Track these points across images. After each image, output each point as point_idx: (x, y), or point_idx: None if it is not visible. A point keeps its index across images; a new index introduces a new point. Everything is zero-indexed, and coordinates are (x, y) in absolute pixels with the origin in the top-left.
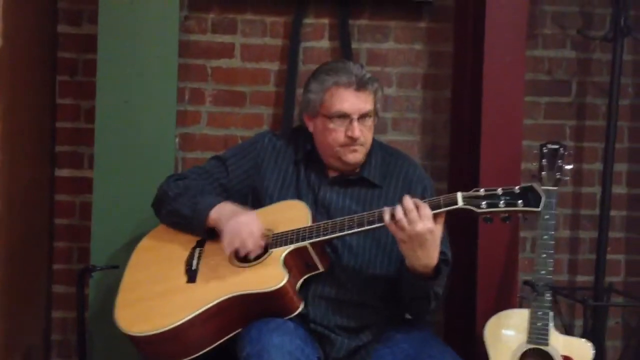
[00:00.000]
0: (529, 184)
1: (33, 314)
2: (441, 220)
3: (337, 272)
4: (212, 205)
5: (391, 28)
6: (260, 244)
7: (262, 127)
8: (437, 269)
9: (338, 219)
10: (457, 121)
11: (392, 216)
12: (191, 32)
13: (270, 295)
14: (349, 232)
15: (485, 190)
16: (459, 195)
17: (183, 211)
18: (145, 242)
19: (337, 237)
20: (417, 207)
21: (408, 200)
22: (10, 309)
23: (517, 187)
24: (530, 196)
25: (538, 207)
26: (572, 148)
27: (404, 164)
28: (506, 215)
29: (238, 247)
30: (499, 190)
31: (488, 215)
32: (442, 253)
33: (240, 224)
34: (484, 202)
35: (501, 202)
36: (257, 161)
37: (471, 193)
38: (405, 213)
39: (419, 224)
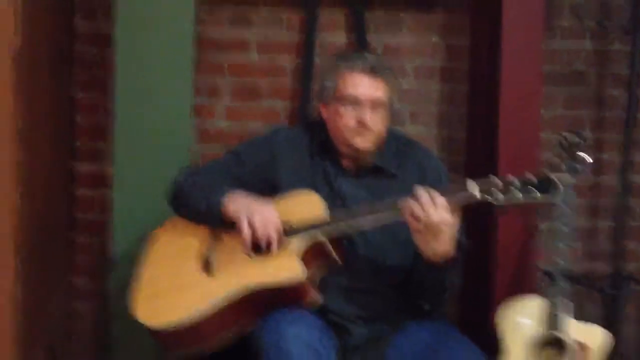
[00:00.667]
0: (547, 175)
1: (54, 306)
2: (457, 211)
3: (353, 261)
4: (224, 196)
5: (407, 20)
6: (279, 228)
7: (279, 121)
8: (453, 259)
9: (357, 214)
10: (474, 114)
11: (407, 206)
12: (207, 27)
13: (287, 287)
14: (367, 228)
15: (502, 181)
16: (476, 187)
17: (198, 206)
18: (160, 235)
19: (355, 231)
20: (432, 198)
21: (423, 191)
22: (33, 301)
23: (534, 178)
24: (548, 187)
25: (556, 198)
26: (591, 139)
27: (418, 153)
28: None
29: (258, 233)
30: (516, 181)
31: (505, 208)
32: (457, 241)
33: (256, 210)
34: (500, 194)
35: (519, 193)
36: (272, 154)
37: (487, 184)
38: (421, 203)
39: (435, 214)
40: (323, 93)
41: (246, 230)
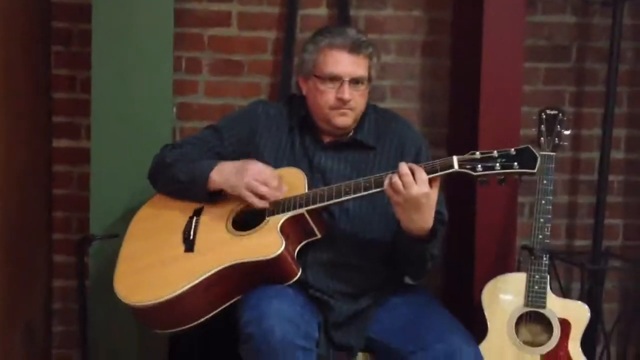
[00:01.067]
0: (525, 146)
1: (34, 283)
2: (436, 184)
3: (335, 236)
4: (211, 168)
5: None
6: (283, 186)
7: (260, 96)
8: (433, 231)
9: (334, 185)
10: (456, 88)
11: (389, 180)
12: (187, 1)
13: (268, 262)
14: (346, 198)
15: (481, 153)
16: (455, 158)
17: (181, 177)
18: (142, 212)
19: (334, 204)
20: (412, 171)
21: (403, 165)
22: (12, 279)
23: (512, 149)
24: (526, 157)
25: (534, 168)
26: (571, 114)
27: (397, 124)
28: (502, 177)
29: (261, 188)
30: (495, 153)
31: (484, 178)
32: (438, 213)
33: (251, 170)
34: (479, 165)
35: (497, 164)
36: (252, 129)
37: (467, 156)
38: (401, 177)
39: (415, 187)
40: (302, 67)
41: (247, 194)
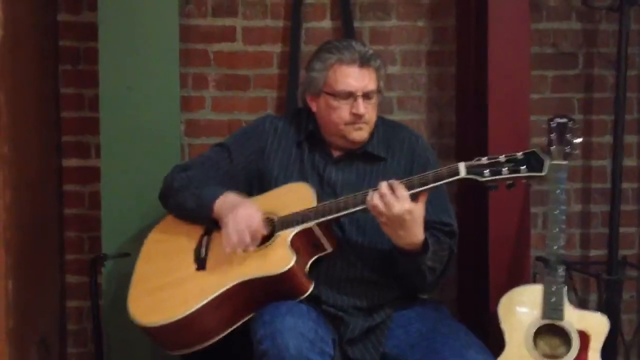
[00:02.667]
0: (532, 150)
1: (47, 304)
2: (423, 198)
3: (346, 251)
4: (215, 198)
5: (393, 5)
6: (258, 236)
7: (267, 111)
8: (425, 244)
9: (342, 198)
10: (463, 98)
11: (370, 201)
12: (191, 17)
13: (279, 278)
14: (354, 209)
15: (488, 159)
16: (462, 165)
17: (188, 204)
18: (154, 234)
19: (342, 217)
20: (392, 189)
21: (382, 184)
22: (24, 300)
23: (520, 153)
24: (534, 161)
25: (542, 171)
26: (581, 121)
27: (405, 135)
28: (511, 182)
29: (235, 243)
30: (502, 158)
31: (492, 183)
32: (447, 224)
33: (238, 218)
34: (486, 171)
35: (504, 169)
36: (260, 145)
37: (473, 162)
38: (381, 197)
39: (396, 206)
40: (311, 84)
41: (226, 244)
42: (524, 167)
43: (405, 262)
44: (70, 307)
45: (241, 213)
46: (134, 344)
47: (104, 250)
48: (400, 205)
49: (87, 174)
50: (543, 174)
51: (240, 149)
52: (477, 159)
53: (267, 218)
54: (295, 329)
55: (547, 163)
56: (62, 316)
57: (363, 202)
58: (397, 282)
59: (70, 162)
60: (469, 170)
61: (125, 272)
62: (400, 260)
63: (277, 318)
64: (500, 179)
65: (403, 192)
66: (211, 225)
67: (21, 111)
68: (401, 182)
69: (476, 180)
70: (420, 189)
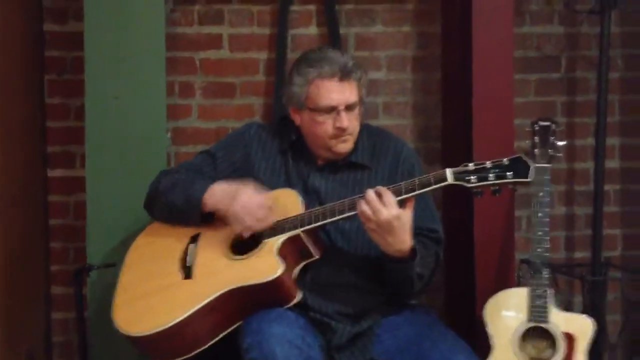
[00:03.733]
0: (517, 155)
1: (33, 316)
2: (410, 204)
3: (333, 257)
4: (203, 191)
5: (378, 11)
6: (270, 216)
7: (254, 118)
8: (413, 250)
9: (328, 204)
10: (449, 102)
11: (358, 208)
12: (178, 25)
13: (267, 285)
14: (341, 216)
15: (475, 165)
16: (448, 171)
17: (176, 202)
18: (139, 241)
19: (329, 223)
20: (379, 195)
21: (369, 191)
22: (10, 312)
23: (505, 159)
24: (520, 167)
25: (527, 177)
26: (564, 124)
27: (390, 142)
28: (497, 187)
29: (247, 220)
30: (488, 164)
31: (479, 189)
32: (433, 231)
33: (239, 198)
34: (473, 177)
35: (490, 174)
36: (246, 152)
37: (460, 168)
38: (368, 203)
39: (384, 212)
40: (293, 98)
41: (242, 229)
42: (510, 172)
43: (394, 269)
44: (56, 318)
45: (242, 195)
46: (120, 356)
47: (89, 261)
48: (387, 212)
49: (72, 184)
50: (529, 179)
51: (225, 156)
52: (463, 165)
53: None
54: (283, 337)
55: (533, 169)
56: (48, 328)
57: (350, 209)
58: (384, 288)
59: (56, 173)
60: (456, 176)
61: (110, 282)
62: (389, 268)
63: (264, 326)
64: (486, 184)
65: (390, 199)
66: (200, 222)
67: (7, 121)
68: (388, 188)
69: (463, 186)
70: (407, 195)
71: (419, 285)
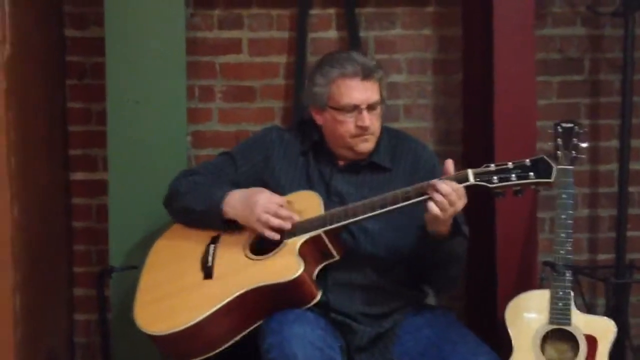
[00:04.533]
0: (540, 156)
1: (55, 317)
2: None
3: (355, 257)
4: (222, 199)
5: (398, 14)
6: (293, 213)
7: (274, 121)
8: (455, 226)
9: (350, 205)
10: (470, 105)
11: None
12: (198, 29)
13: (287, 285)
14: (362, 217)
15: (496, 165)
16: (470, 172)
17: (195, 207)
18: (160, 242)
19: (350, 224)
20: (455, 190)
21: (443, 185)
22: (32, 313)
23: (527, 160)
24: (542, 167)
25: (550, 177)
26: (587, 126)
27: (411, 145)
28: (518, 188)
29: (273, 220)
30: (510, 164)
31: (500, 190)
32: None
33: (260, 202)
34: (495, 177)
35: (513, 175)
36: (267, 154)
37: (482, 169)
38: (446, 196)
39: (459, 202)
40: (315, 99)
41: (260, 228)
42: (532, 173)
43: (441, 247)
44: (78, 320)
45: (261, 198)
46: (141, 357)
47: (112, 263)
48: (462, 202)
49: (94, 187)
50: (551, 180)
51: (246, 158)
52: (485, 165)
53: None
54: (304, 337)
55: (555, 169)
56: (70, 329)
57: (372, 209)
58: (414, 289)
59: (78, 176)
60: (478, 177)
61: (132, 284)
62: (434, 248)
63: (284, 326)
64: (508, 185)
65: (462, 190)
66: (222, 227)
67: (29, 126)
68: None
69: (485, 187)
70: (424, 197)
71: (455, 270)
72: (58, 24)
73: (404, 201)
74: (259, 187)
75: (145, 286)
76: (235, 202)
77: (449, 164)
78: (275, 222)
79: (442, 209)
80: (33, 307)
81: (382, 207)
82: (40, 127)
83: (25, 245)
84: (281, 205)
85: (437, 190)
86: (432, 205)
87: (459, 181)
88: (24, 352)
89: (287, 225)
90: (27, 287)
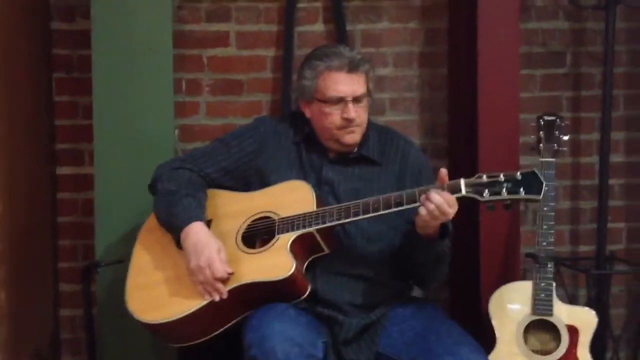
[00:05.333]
0: (531, 170)
1: (40, 313)
2: None
3: (345, 248)
4: (182, 227)
5: (385, 7)
6: (224, 273)
7: (261, 114)
8: (444, 227)
9: (343, 204)
10: (455, 98)
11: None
12: (185, 22)
13: (279, 282)
14: (355, 219)
15: (488, 177)
16: (462, 183)
17: (161, 217)
18: (150, 223)
19: (341, 225)
20: (446, 200)
21: (435, 196)
22: (18, 309)
23: (518, 173)
24: (532, 182)
25: (539, 194)
26: (569, 119)
27: (399, 141)
28: (508, 202)
29: (199, 286)
30: (501, 177)
31: (491, 204)
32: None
33: (200, 263)
34: (486, 190)
35: (503, 189)
36: (260, 143)
37: (474, 180)
38: (438, 206)
39: (450, 211)
40: (304, 91)
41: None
42: (522, 189)
43: (429, 247)
44: (64, 315)
45: (203, 261)
46: (129, 352)
47: (98, 258)
48: (452, 210)
49: (80, 182)
50: (539, 197)
51: (240, 145)
52: (477, 175)
53: (266, 217)
54: (283, 334)
55: (545, 186)
56: (56, 325)
57: (365, 211)
58: (401, 280)
59: (64, 170)
60: (469, 189)
61: (119, 279)
62: (424, 247)
63: (264, 323)
64: (498, 200)
65: (453, 199)
66: (177, 243)
67: (15, 119)
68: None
69: (476, 199)
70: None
71: (443, 267)
72: (44, 17)
73: (396, 207)
74: (217, 243)
75: (137, 270)
76: (191, 238)
77: (443, 173)
78: (203, 289)
79: (432, 217)
80: (18, 303)
81: (375, 211)
82: (27, 121)
83: (11, 240)
84: (217, 278)
85: (429, 200)
86: (423, 212)
87: (451, 191)
88: (10, 349)
89: (215, 297)
90: (12, 283)
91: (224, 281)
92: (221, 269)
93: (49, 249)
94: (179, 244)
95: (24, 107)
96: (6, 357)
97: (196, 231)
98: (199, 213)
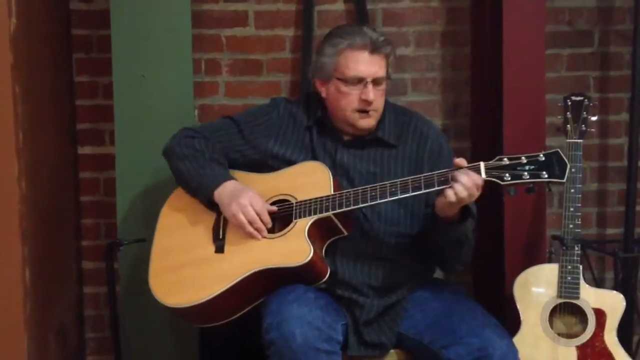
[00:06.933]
0: (555, 150)
1: (64, 291)
2: None
3: (365, 230)
4: (216, 184)
5: None
6: (262, 224)
7: (280, 95)
8: (465, 211)
9: (360, 188)
10: (478, 78)
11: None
12: (204, 2)
13: (297, 268)
14: (372, 203)
15: (509, 159)
16: (482, 166)
17: (188, 180)
18: (171, 203)
19: (359, 209)
20: (473, 181)
21: (465, 177)
22: (42, 287)
23: (541, 154)
24: (556, 163)
25: (563, 177)
26: (597, 99)
27: (417, 122)
28: (531, 186)
29: (246, 228)
30: (523, 158)
31: (512, 188)
32: (468, 208)
33: (240, 206)
34: (507, 174)
35: (525, 172)
36: (275, 127)
37: (494, 163)
38: (467, 189)
39: (476, 193)
40: (322, 69)
41: (239, 224)
42: (545, 172)
43: (452, 230)
44: (87, 293)
45: (244, 200)
46: (150, 329)
47: (120, 236)
48: (479, 192)
49: (102, 161)
50: (563, 180)
51: (254, 128)
52: (497, 158)
53: (283, 199)
54: (302, 318)
55: (569, 168)
56: (79, 302)
57: (382, 196)
58: (422, 262)
59: (86, 150)
60: (489, 172)
61: (140, 257)
62: (446, 230)
63: (283, 307)
64: (520, 183)
65: (481, 181)
66: (206, 203)
67: (36, 100)
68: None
69: (496, 183)
70: (440, 188)
71: (466, 250)
72: None
73: (426, 188)
74: (249, 187)
75: (159, 252)
76: (226, 192)
77: (462, 160)
78: (247, 229)
79: (459, 199)
80: (42, 281)
81: (392, 195)
82: (47, 102)
83: (34, 220)
84: (259, 214)
85: (457, 181)
86: (450, 194)
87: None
88: (34, 325)
89: (258, 236)
90: (36, 261)
91: (243, 266)
92: (262, 205)
93: (72, 228)
94: (210, 204)
95: (46, 88)
96: (31, 335)
97: (233, 183)
98: (229, 174)
